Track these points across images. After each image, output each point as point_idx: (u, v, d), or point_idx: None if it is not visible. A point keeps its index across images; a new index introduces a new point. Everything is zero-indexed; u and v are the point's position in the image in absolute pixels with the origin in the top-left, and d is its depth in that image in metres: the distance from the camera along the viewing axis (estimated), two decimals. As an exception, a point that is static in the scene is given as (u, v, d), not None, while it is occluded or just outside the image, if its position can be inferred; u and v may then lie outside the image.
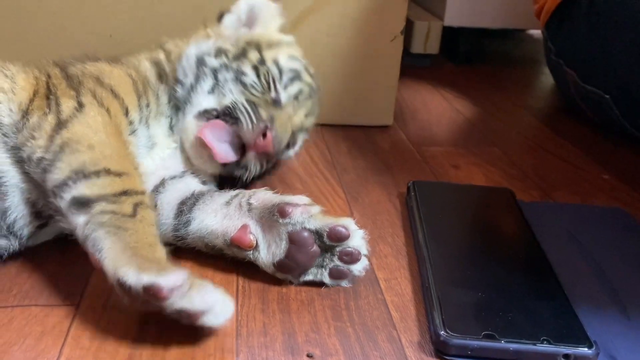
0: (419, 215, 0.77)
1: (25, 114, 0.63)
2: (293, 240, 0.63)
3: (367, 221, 0.81)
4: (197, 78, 0.75)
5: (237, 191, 0.70)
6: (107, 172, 0.58)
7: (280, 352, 0.56)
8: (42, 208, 0.65)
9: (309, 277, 0.66)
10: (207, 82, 0.75)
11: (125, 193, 0.58)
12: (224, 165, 0.72)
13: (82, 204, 0.56)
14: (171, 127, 0.76)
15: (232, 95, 0.73)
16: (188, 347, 0.56)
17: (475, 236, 0.76)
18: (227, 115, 0.71)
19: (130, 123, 0.69)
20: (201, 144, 0.71)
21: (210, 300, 0.53)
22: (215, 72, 0.75)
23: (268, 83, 0.75)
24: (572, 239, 0.77)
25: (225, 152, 0.71)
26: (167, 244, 0.69)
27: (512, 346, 0.56)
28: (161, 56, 0.80)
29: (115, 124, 0.65)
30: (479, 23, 1.63)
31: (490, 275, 0.66)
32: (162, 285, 0.50)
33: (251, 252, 0.66)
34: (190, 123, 0.73)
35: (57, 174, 0.58)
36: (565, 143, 1.16)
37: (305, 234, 0.63)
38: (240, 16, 0.83)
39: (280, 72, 0.77)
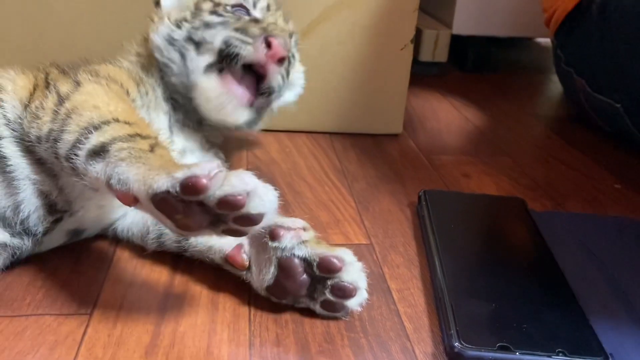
0: (431, 225, 0.77)
1: (27, 105, 0.64)
2: (281, 266, 0.60)
3: (378, 230, 0.81)
4: (181, 54, 0.76)
5: None
6: (116, 120, 0.57)
7: (294, 363, 0.56)
8: (56, 199, 0.65)
9: (301, 305, 0.63)
10: (191, 50, 0.75)
11: (138, 135, 0.56)
12: (251, 105, 0.75)
13: (98, 152, 0.54)
14: (170, 128, 0.76)
15: (219, 35, 0.73)
16: (201, 358, 0.56)
17: (488, 246, 0.76)
18: (227, 56, 0.72)
19: (133, 101, 0.69)
20: (223, 95, 0.73)
21: (251, 182, 0.49)
22: (190, 39, 0.75)
23: (233, 14, 0.76)
24: (585, 249, 0.77)
25: (242, 96, 0.74)
26: (169, 253, 0.70)
27: (527, 358, 0.55)
28: (134, 59, 0.80)
29: (115, 92, 0.64)
30: (488, 31, 1.63)
31: (504, 286, 0.66)
32: (199, 174, 0.48)
33: (244, 272, 0.64)
34: (202, 80, 0.74)
35: (68, 137, 0.57)
36: (575, 152, 1.15)
37: (295, 261, 0.60)
38: None
39: None
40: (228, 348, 0.58)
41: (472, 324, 0.59)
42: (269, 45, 0.71)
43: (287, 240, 0.60)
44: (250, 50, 0.71)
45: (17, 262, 0.66)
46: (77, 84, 0.64)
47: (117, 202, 0.55)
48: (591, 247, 0.77)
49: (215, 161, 0.50)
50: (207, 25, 0.75)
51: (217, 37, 0.74)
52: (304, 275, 0.60)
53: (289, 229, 0.61)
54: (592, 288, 0.69)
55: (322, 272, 0.60)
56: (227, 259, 0.64)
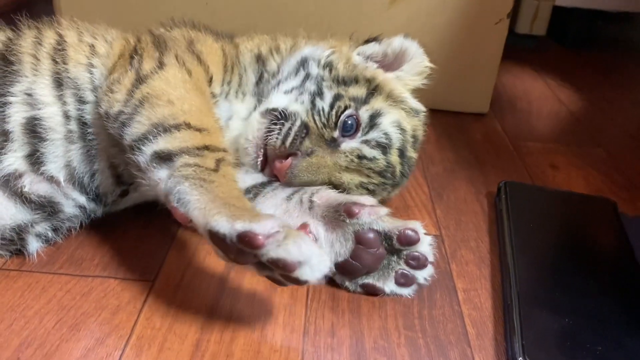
0: (508, 222, 0.72)
1: (109, 74, 0.64)
2: (360, 240, 0.61)
3: (449, 221, 0.77)
4: (288, 76, 0.72)
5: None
6: (187, 125, 0.58)
7: (347, 357, 0.55)
8: (122, 172, 0.66)
9: (369, 280, 0.62)
10: (292, 82, 0.71)
11: (206, 148, 0.57)
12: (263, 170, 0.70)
13: (164, 158, 0.56)
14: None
15: (300, 106, 0.68)
16: (254, 340, 0.56)
17: (569, 252, 0.70)
18: (280, 119, 0.67)
19: (213, 95, 0.68)
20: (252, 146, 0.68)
21: (307, 251, 0.49)
22: (305, 79, 0.71)
23: (337, 118, 0.67)
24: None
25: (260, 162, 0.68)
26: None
27: (598, 386, 0.51)
28: (255, 50, 0.76)
29: (195, 83, 0.64)
30: (595, 4, 1.49)
31: (581, 300, 0.61)
32: (258, 232, 0.48)
33: None
34: (254, 118, 0.69)
35: (136, 128, 0.58)
36: (682, 149, 1.04)
37: (372, 235, 0.61)
38: (387, 51, 0.75)
39: (372, 125, 0.67)
40: (282, 332, 0.57)
41: (540, 339, 0.55)
42: (285, 158, 0.66)
43: (366, 216, 0.61)
44: (273, 143, 0.66)
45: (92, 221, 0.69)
46: (161, 65, 0.63)
47: None
48: (688, 263, 0.70)
49: (278, 219, 0.50)
50: (316, 92, 0.69)
51: (299, 105, 0.68)
52: (381, 249, 0.61)
53: (363, 205, 0.62)
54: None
55: (402, 245, 0.61)
56: None
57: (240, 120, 0.72)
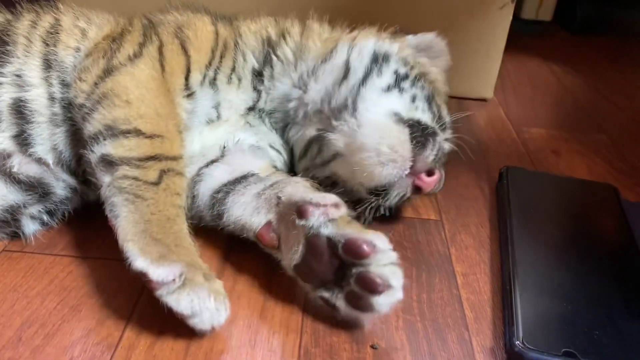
0: (509, 207, 0.72)
1: (86, 56, 0.64)
2: (309, 245, 0.55)
3: (450, 206, 0.77)
4: (369, 72, 0.67)
5: (275, 179, 0.64)
6: (137, 132, 0.57)
7: (345, 339, 0.55)
8: None
9: (325, 293, 0.56)
10: (382, 79, 0.67)
11: (152, 158, 0.56)
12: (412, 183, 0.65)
13: (109, 163, 0.56)
14: (253, 107, 0.71)
15: (424, 115, 0.66)
16: (253, 321, 0.56)
17: (568, 237, 0.70)
18: (420, 134, 0.63)
19: (188, 88, 0.65)
20: (396, 152, 0.62)
21: (199, 307, 0.50)
22: (399, 78, 0.67)
23: (438, 123, 0.67)
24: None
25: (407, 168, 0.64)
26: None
27: (595, 369, 0.51)
28: (263, 32, 0.73)
29: (163, 81, 0.62)
30: (603, -12, 1.48)
31: (580, 285, 0.61)
32: (151, 278, 0.50)
33: (275, 251, 0.60)
34: (387, 126, 0.63)
35: (91, 125, 0.58)
36: (687, 136, 1.04)
37: (319, 240, 0.55)
38: (420, 46, 0.75)
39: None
40: (281, 314, 0.58)
41: (538, 322, 0.56)
42: (430, 173, 0.65)
43: (315, 218, 0.55)
44: (426, 158, 0.63)
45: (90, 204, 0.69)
46: (135, 55, 0.62)
47: None
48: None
49: (181, 266, 0.51)
50: (430, 99, 0.68)
51: (423, 114, 0.66)
52: (331, 257, 0.55)
53: (317, 205, 0.56)
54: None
55: (347, 256, 0.54)
56: (257, 237, 0.61)
57: (233, 110, 0.70)
